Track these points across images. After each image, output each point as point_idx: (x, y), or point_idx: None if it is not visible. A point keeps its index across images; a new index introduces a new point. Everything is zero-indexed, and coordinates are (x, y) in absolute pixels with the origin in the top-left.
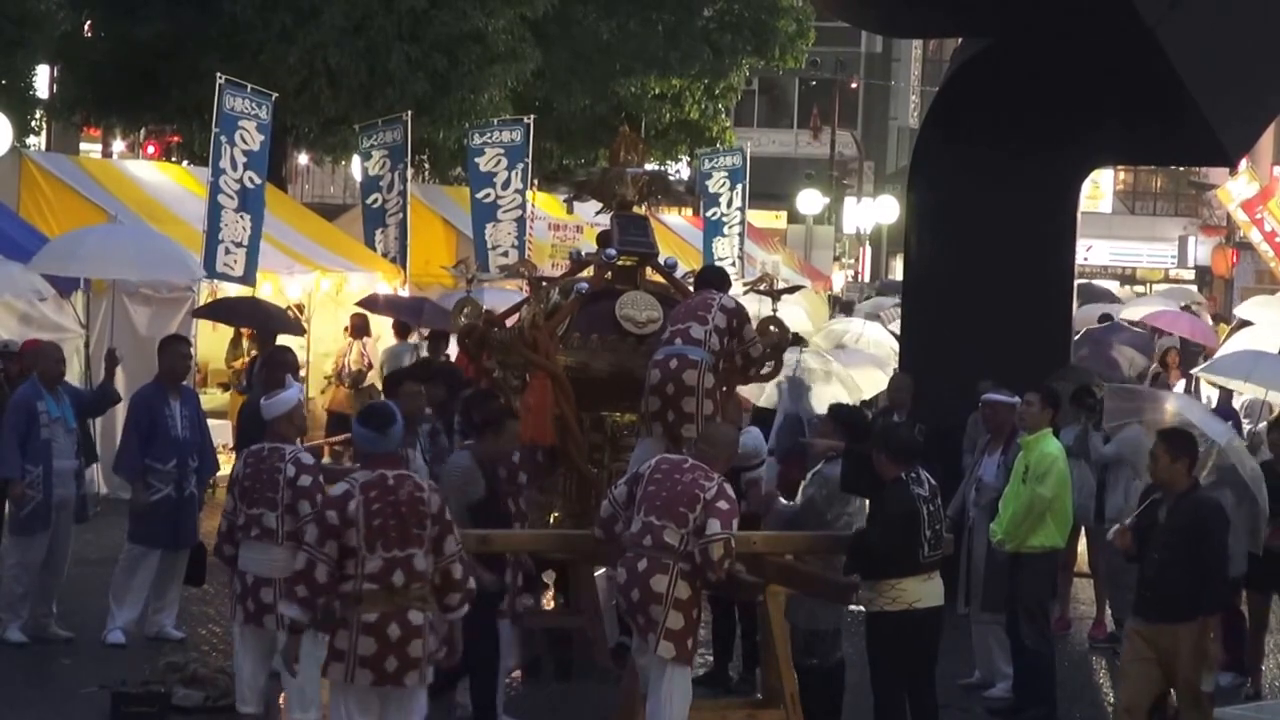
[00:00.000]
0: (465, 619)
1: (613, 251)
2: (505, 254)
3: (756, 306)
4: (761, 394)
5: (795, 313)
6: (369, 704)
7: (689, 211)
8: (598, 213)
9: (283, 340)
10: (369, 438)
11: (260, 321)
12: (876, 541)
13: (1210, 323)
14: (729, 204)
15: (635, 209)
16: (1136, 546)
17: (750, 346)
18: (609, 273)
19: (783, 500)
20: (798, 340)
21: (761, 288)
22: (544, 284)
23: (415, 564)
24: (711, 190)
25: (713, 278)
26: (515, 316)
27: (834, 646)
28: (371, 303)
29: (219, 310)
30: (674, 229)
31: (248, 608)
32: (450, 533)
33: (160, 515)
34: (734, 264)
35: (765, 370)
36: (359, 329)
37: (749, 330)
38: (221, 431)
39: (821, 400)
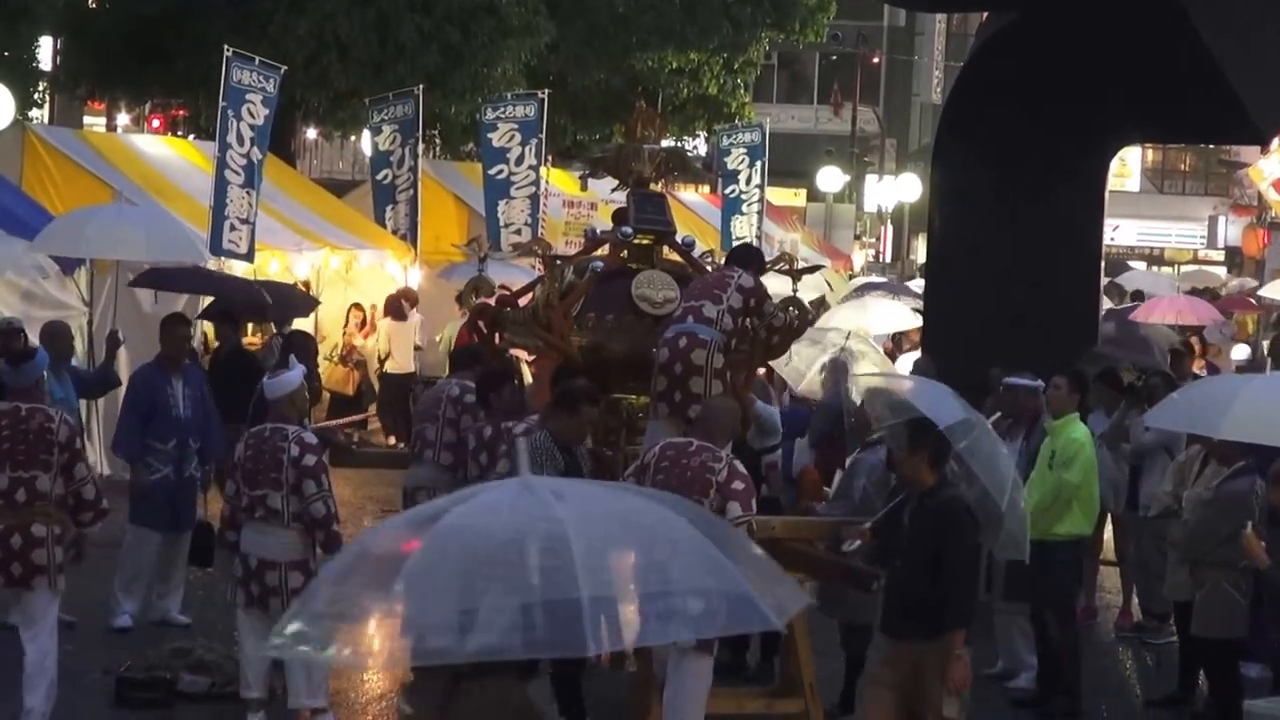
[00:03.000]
0: None
1: (628, 229)
2: (518, 232)
3: (776, 286)
4: (802, 381)
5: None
6: (4, 602)
7: (706, 189)
8: (613, 190)
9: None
10: (7, 373)
11: (269, 309)
12: None
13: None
14: (747, 181)
15: (652, 186)
16: (880, 552)
17: (772, 318)
18: (625, 251)
19: (819, 506)
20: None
21: (781, 267)
22: (558, 263)
23: (38, 485)
24: (730, 167)
25: (745, 256)
26: (529, 296)
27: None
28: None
29: (223, 306)
30: (691, 207)
31: (251, 591)
32: (80, 460)
33: (160, 497)
34: (751, 242)
35: (775, 341)
36: (390, 308)
37: (769, 305)
38: None
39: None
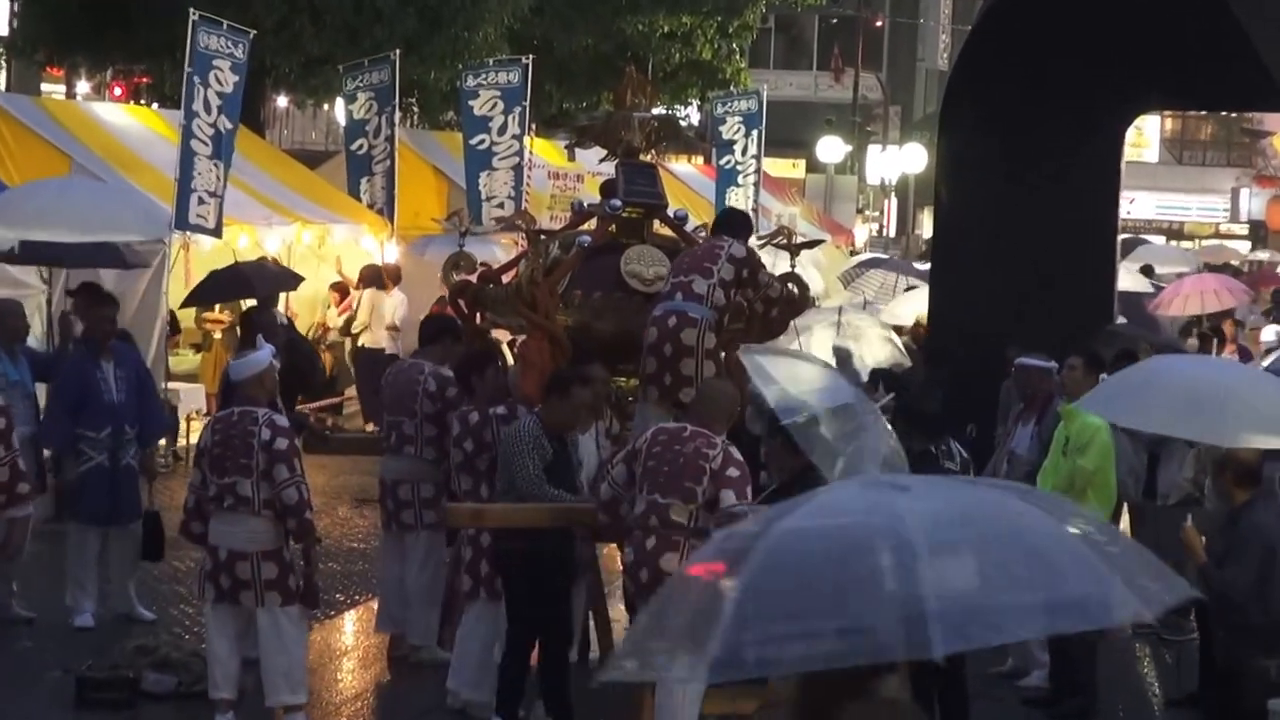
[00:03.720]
0: (535, 598)
1: (617, 203)
2: (501, 205)
3: (773, 261)
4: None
5: (809, 273)
6: None
7: (700, 160)
8: (601, 160)
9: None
10: None
11: (254, 290)
12: None
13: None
14: (744, 151)
15: (642, 157)
16: None
17: (768, 289)
18: (613, 225)
19: None
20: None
21: (779, 241)
22: (543, 237)
23: None
24: (725, 137)
25: (731, 222)
26: (512, 273)
27: None
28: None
29: (207, 293)
30: (684, 179)
31: (220, 584)
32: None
33: (94, 488)
34: (739, 207)
35: (773, 314)
36: (369, 279)
37: (763, 275)
38: (194, 396)
39: (869, 364)
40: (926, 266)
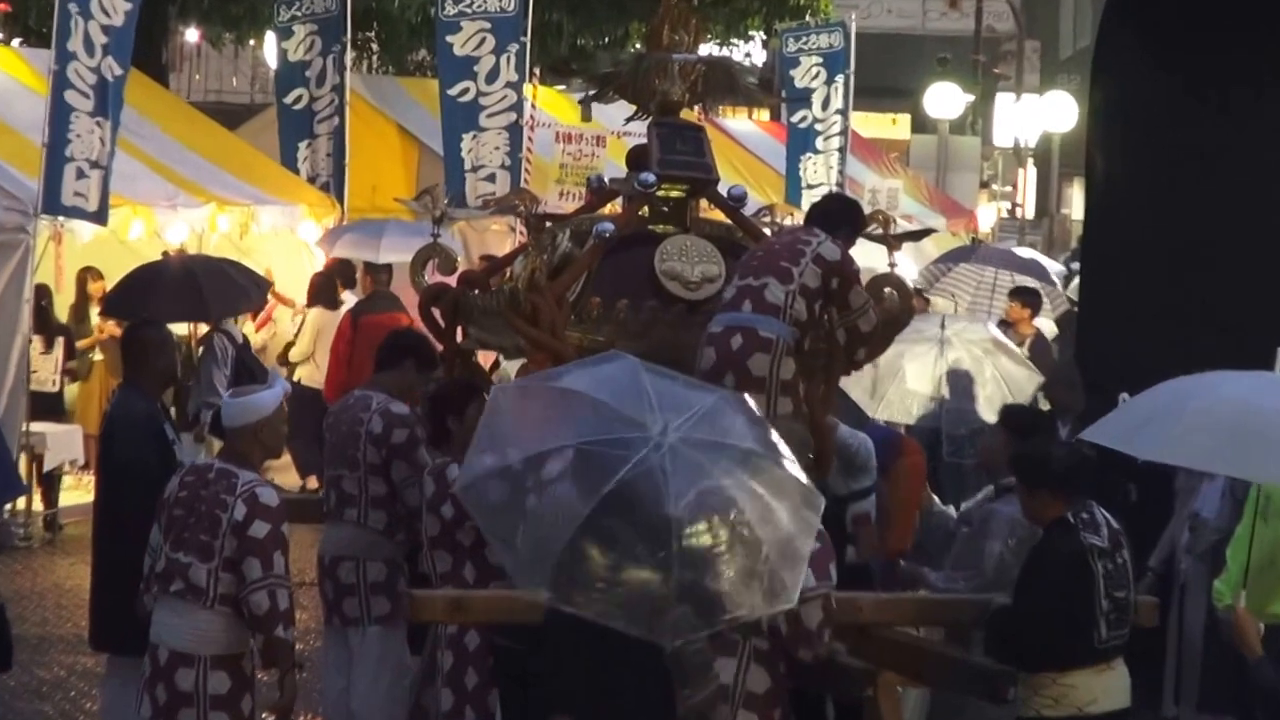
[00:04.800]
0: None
1: (650, 177)
2: (491, 179)
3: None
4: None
5: (910, 270)
6: None
7: (765, 116)
8: (629, 119)
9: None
10: None
11: (207, 309)
12: (1029, 616)
13: None
14: (824, 104)
15: (684, 113)
16: None
17: (860, 317)
18: (645, 208)
19: (933, 574)
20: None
21: (873, 230)
22: (548, 225)
23: None
24: (799, 84)
25: (829, 214)
26: (506, 273)
27: None
28: None
29: (123, 304)
30: (742, 141)
31: (156, 698)
32: None
33: None
34: (829, 193)
35: (860, 356)
36: (319, 293)
37: (858, 295)
38: (67, 442)
39: (985, 400)
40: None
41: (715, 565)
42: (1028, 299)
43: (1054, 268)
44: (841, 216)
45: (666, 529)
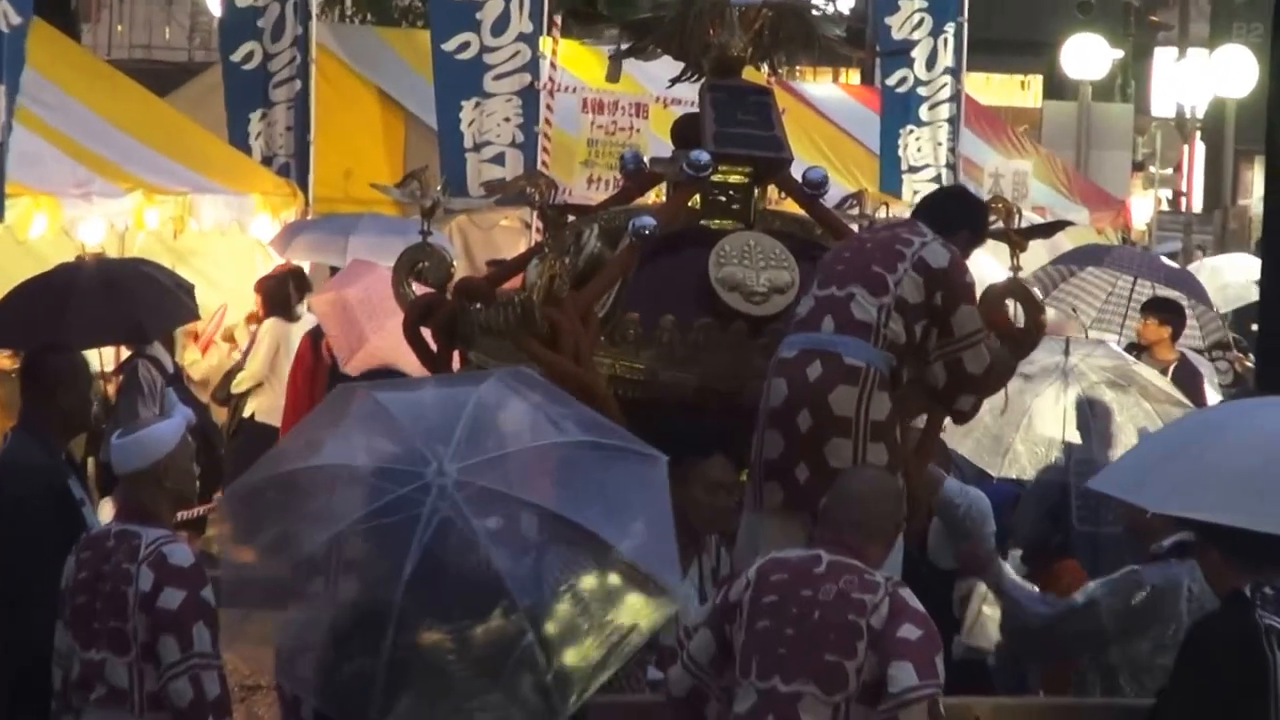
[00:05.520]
0: None
1: (703, 156)
2: (499, 159)
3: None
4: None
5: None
6: None
7: (854, 77)
8: (675, 80)
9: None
10: None
11: (143, 329)
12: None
13: None
14: (930, 62)
15: (748, 74)
16: None
17: (966, 349)
18: (696, 197)
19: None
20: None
21: (992, 225)
22: (571, 218)
23: None
24: (896, 36)
25: (940, 209)
26: (515, 281)
27: None
28: None
29: (19, 325)
30: (823, 110)
31: None
32: None
33: None
34: (938, 176)
35: (965, 405)
36: (274, 298)
37: (967, 318)
38: None
39: (1125, 447)
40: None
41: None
42: (1166, 315)
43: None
44: (959, 217)
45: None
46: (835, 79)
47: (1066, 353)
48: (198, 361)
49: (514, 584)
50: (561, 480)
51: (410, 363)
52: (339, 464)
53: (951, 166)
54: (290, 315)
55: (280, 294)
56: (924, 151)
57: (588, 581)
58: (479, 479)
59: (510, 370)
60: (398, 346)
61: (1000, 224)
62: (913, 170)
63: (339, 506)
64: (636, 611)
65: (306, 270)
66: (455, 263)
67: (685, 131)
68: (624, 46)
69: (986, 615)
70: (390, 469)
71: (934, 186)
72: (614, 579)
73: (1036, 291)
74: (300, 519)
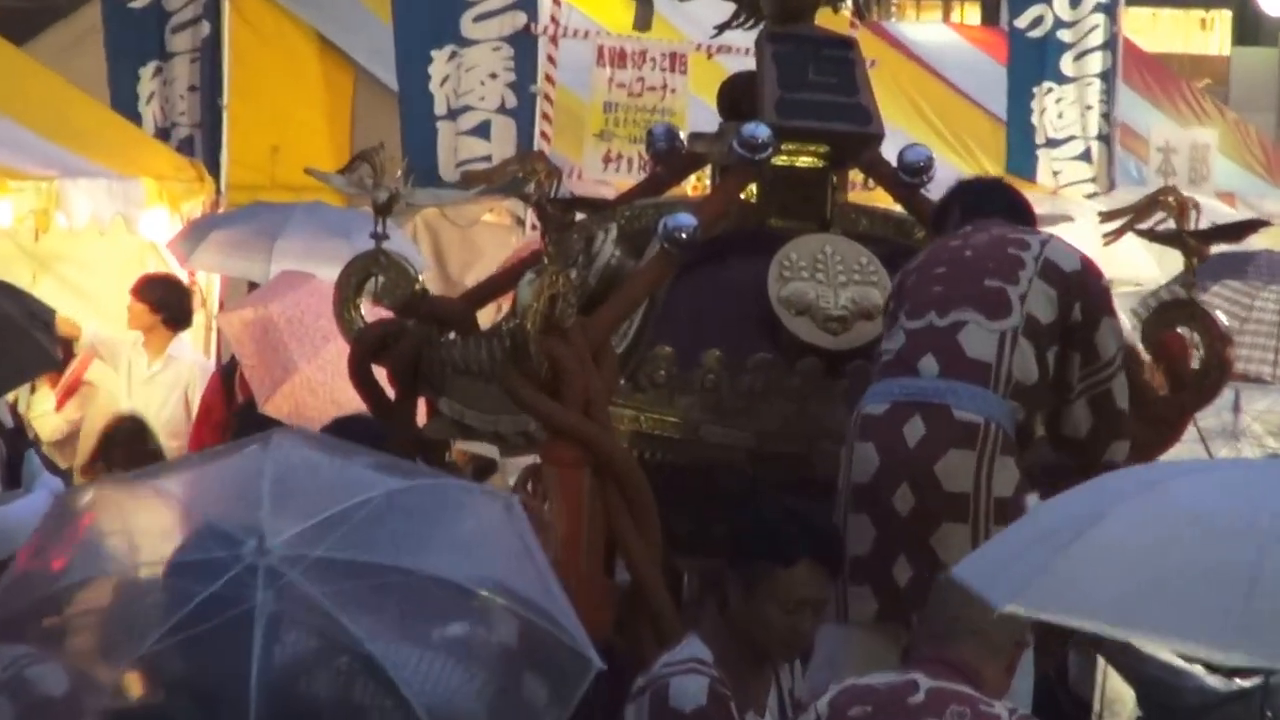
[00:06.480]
0: None
1: (762, 130)
2: (482, 131)
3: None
4: None
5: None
6: None
7: (971, 15)
8: (722, 27)
9: None
10: None
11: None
12: None
13: None
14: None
15: (823, 17)
16: None
17: (1114, 374)
18: (752, 187)
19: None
20: None
21: (1158, 224)
22: (580, 216)
23: None
24: None
25: (1015, 202)
26: (507, 303)
27: None
28: None
29: None
30: (929, 61)
31: None
32: None
33: None
34: (1086, 151)
35: (1119, 455)
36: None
37: (1111, 332)
38: None
39: None
40: None
41: None
42: None
43: None
44: (1015, 216)
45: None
46: (946, 18)
47: (1236, 408)
48: (47, 414)
49: (394, 671)
50: (409, 533)
51: (352, 403)
52: (103, 575)
53: (1105, 138)
54: (180, 322)
55: (171, 301)
56: (1067, 118)
57: (480, 647)
58: (310, 549)
59: (295, 430)
60: (336, 381)
61: (1169, 223)
62: (1052, 144)
63: (127, 627)
64: (547, 680)
65: (217, 285)
66: (422, 276)
67: (737, 96)
68: None
69: None
70: (189, 563)
71: (1082, 166)
72: (506, 636)
73: (1220, 316)
74: (81, 656)
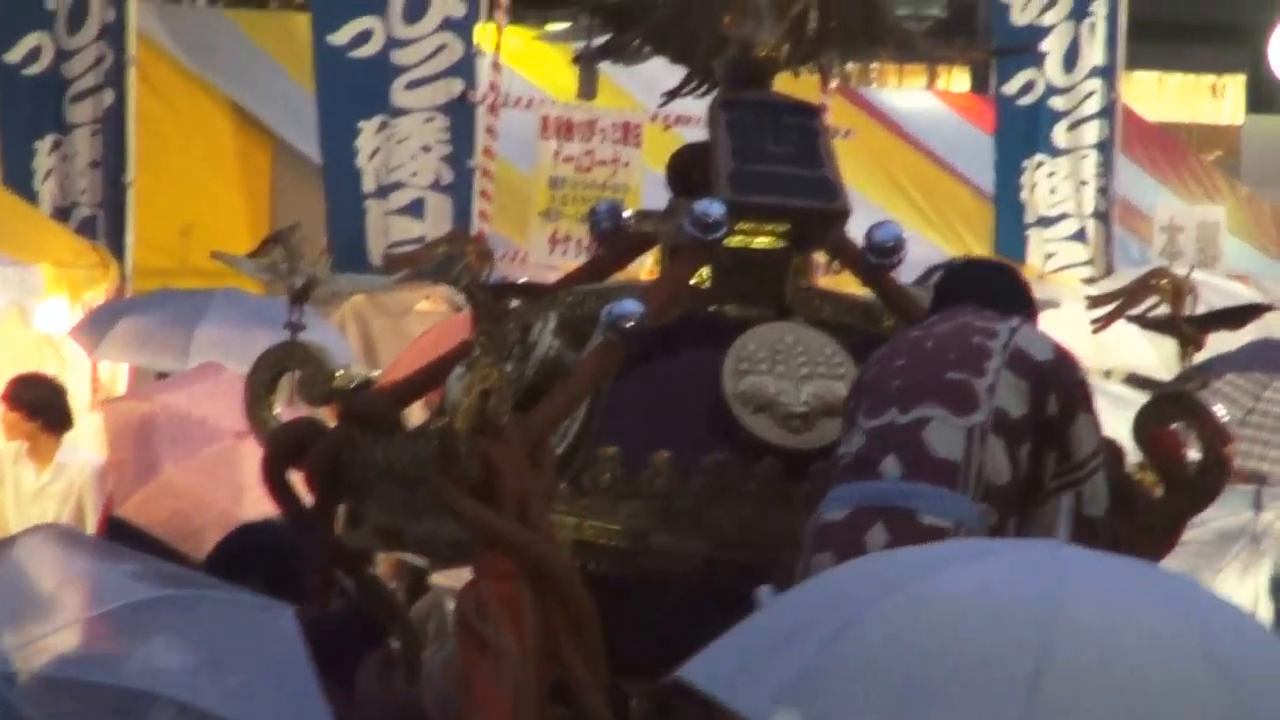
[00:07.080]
0: None
1: (715, 207)
2: (415, 210)
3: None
4: None
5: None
6: None
7: (957, 81)
8: (670, 95)
9: None
10: None
11: None
12: None
13: None
14: (1069, 60)
15: (778, 79)
16: None
17: (1090, 474)
18: (704, 269)
19: None
20: None
21: (1149, 306)
22: (515, 305)
23: None
24: (1017, 21)
25: (989, 283)
26: (434, 399)
27: None
28: None
29: None
30: (909, 129)
31: None
32: None
33: None
34: (1081, 231)
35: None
36: (43, 408)
37: (1088, 429)
38: None
39: None
40: None
41: None
42: None
43: None
44: (1012, 299)
45: None
46: (930, 84)
47: (1257, 506)
48: None
49: None
50: (160, 650)
51: (213, 514)
52: None
53: (1102, 216)
54: (59, 426)
55: (46, 404)
56: (1060, 193)
57: None
58: (37, 663)
59: (45, 526)
60: (198, 489)
61: (1163, 308)
62: (1043, 222)
63: None
64: None
65: (125, 374)
66: (348, 368)
67: (688, 168)
68: (596, 43)
69: None
70: None
71: (1076, 247)
72: None
73: (1220, 410)
74: None
